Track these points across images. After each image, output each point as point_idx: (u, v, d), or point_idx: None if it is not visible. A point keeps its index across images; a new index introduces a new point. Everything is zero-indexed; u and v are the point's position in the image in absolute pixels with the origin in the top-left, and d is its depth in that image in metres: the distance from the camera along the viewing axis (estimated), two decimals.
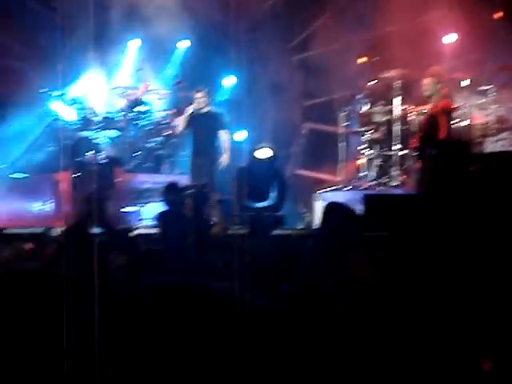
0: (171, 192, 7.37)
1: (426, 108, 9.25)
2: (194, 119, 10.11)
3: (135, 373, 2.78)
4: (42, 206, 10.92)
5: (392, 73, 10.59)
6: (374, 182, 10.58)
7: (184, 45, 12.41)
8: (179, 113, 11.69)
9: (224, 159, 9.96)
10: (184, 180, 9.57)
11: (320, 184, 11.57)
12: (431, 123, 8.76)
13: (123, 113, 11.51)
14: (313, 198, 10.89)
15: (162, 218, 7.26)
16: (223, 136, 10.10)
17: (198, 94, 10.08)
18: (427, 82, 9.02)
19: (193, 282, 2.41)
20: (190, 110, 10.11)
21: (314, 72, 11.85)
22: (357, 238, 3.94)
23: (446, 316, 3.23)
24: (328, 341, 3.02)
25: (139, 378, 2.74)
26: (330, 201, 5.85)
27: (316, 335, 3.02)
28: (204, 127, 10.03)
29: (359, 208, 8.43)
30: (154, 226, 7.71)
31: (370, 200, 7.93)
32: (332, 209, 4.49)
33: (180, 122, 10.36)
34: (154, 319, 2.78)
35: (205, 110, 10.09)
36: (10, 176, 12.06)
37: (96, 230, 5.32)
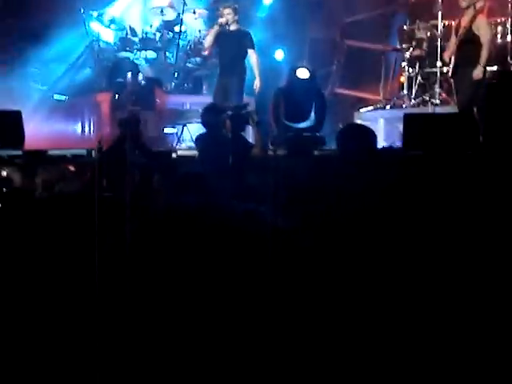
0: (210, 113, 7.33)
1: (465, 22, 8.99)
2: (220, 36, 9.78)
3: (162, 288, 2.87)
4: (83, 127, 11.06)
5: None
6: (415, 101, 10.45)
7: None
8: None
9: (257, 84, 9.79)
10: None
11: (361, 103, 11.47)
12: (467, 37, 8.52)
13: (160, 33, 11.44)
14: (353, 117, 10.83)
15: (200, 140, 7.27)
16: (252, 56, 9.82)
17: (226, 10, 9.74)
18: None
19: (218, 203, 2.45)
20: (217, 26, 9.80)
21: None
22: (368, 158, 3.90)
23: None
24: (355, 262, 3.06)
25: (167, 294, 2.82)
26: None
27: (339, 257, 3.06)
28: (231, 45, 9.69)
29: (399, 127, 8.38)
30: (194, 148, 7.76)
31: (409, 119, 7.85)
32: (347, 130, 4.47)
33: (207, 39, 10.08)
34: (180, 239, 2.85)
35: (232, 27, 9.75)
36: (52, 98, 12.20)
37: (134, 152, 5.37)
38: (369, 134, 4.01)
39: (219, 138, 6.79)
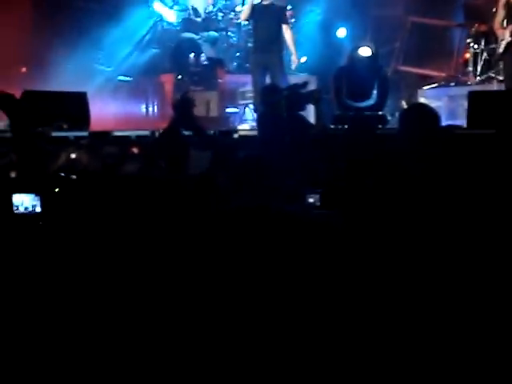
0: (267, 93, 7.34)
1: None
2: (256, 10, 9.56)
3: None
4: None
5: None
6: (480, 78, 10.26)
7: None
8: None
9: (294, 60, 9.73)
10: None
11: (425, 80, 11.32)
12: None
13: (223, 13, 11.49)
14: (418, 94, 10.70)
15: (260, 120, 7.28)
16: (287, 32, 9.67)
17: None
18: None
19: (268, 206, 2.42)
20: (249, 2, 9.58)
21: None
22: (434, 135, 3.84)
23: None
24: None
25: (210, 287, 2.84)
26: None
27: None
28: (267, 20, 9.50)
29: (464, 104, 8.25)
30: (255, 128, 7.80)
31: (473, 96, 7.73)
32: (410, 111, 4.42)
33: (243, 11, 9.90)
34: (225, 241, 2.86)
35: (267, 2, 9.53)
36: (117, 79, 12.38)
37: (188, 133, 5.42)
38: (432, 116, 3.97)
39: (276, 118, 6.78)
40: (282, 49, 9.67)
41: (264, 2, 9.55)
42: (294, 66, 9.81)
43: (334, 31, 11.76)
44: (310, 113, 7.52)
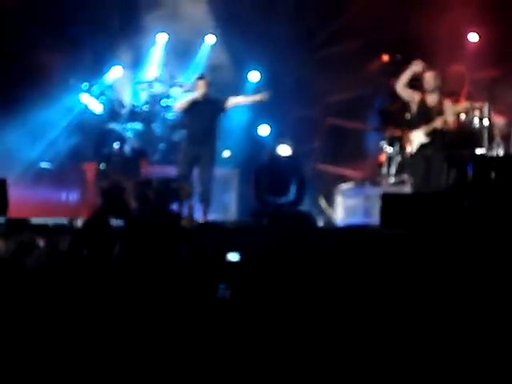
0: (140, 186, 7.36)
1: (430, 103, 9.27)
2: (193, 105, 9.84)
3: None
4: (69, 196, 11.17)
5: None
6: (393, 180, 10.68)
7: (210, 40, 12.55)
8: None
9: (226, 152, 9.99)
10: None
11: (342, 179, 11.68)
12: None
13: (148, 106, 11.70)
14: (334, 193, 11.02)
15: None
16: (233, 99, 9.97)
17: (200, 82, 9.88)
18: (429, 77, 8.99)
19: None
20: (191, 96, 9.89)
21: (336, 69, 11.93)
22: None
23: None
24: None
25: None
26: None
27: None
28: (203, 114, 9.75)
29: (378, 204, 8.57)
30: None
31: (386, 198, 8.05)
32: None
33: (181, 102, 10.09)
34: None
35: (204, 97, 9.80)
36: (39, 165, 12.33)
37: (116, 221, 5.45)
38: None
39: (146, 211, 6.81)
40: (215, 141, 9.88)
41: (201, 99, 9.81)
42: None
43: (256, 128, 12.12)
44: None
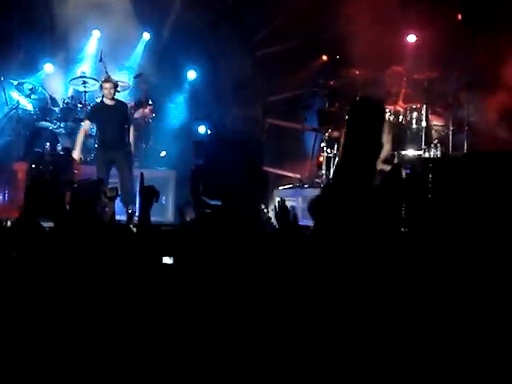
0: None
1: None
2: (99, 111, 9.82)
3: None
4: None
5: (353, 72, 10.61)
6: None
7: (146, 37, 12.34)
8: (139, 105, 11.64)
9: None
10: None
11: (281, 180, 11.58)
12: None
13: (81, 104, 11.39)
14: (272, 194, 10.91)
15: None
16: (130, 130, 9.95)
17: (106, 84, 9.75)
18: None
19: None
20: (96, 100, 9.84)
21: (275, 69, 11.84)
22: None
23: None
24: None
25: None
26: None
27: None
28: (112, 119, 9.71)
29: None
30: None
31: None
32: None
33: (85, 125, 10.06)
34: None
35: (111, 102, 9.78)
36: None
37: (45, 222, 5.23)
38: None
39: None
40: (128, 144, 9.85)
41: (108, 102, 9.75)
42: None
43: (194, 128, 11.94)
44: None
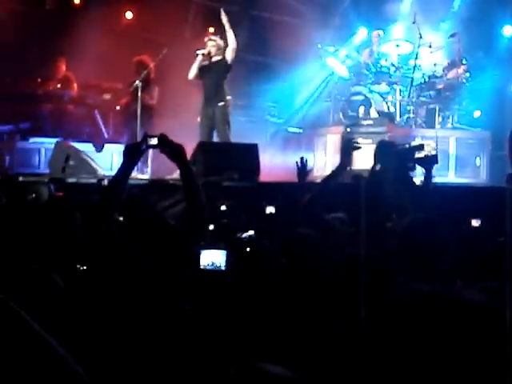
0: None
1: None
2: (203, 67, 9.73)
3: None
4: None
5: None
6: None
7: None
8: (452, 65, 11.36)
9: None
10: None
11: None
12: None
13: (395, 67, 11.43)
14: None
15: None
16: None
17: (210, 42, 9.65)
18: None
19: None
20: (200, 57, 9.67)
21: None
22: None
23: None
24: None
25: None
26: None
27: None
28: (211, 76, 9.66)
29: None
30: None
31: None
32: None
33: (191, 70, 9.84)
34: None
35: (215, 58, 9.69)
36: (287, 130, 12.66)
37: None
38: None
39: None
40: (226, 102, 9.84)
41: (212, 59, 9.78)
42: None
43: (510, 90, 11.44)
44: None
